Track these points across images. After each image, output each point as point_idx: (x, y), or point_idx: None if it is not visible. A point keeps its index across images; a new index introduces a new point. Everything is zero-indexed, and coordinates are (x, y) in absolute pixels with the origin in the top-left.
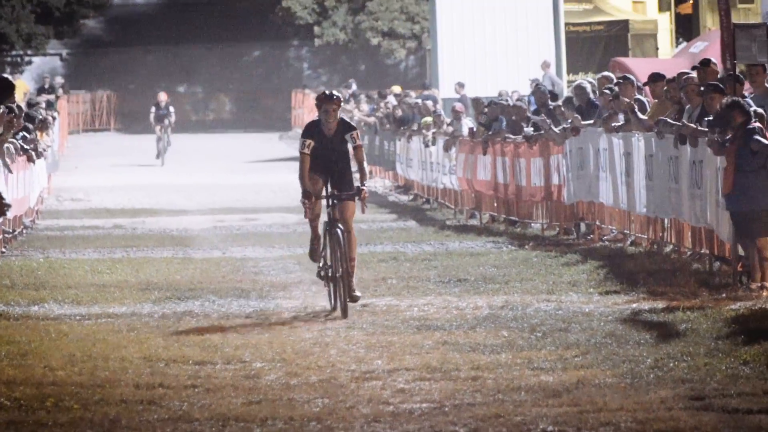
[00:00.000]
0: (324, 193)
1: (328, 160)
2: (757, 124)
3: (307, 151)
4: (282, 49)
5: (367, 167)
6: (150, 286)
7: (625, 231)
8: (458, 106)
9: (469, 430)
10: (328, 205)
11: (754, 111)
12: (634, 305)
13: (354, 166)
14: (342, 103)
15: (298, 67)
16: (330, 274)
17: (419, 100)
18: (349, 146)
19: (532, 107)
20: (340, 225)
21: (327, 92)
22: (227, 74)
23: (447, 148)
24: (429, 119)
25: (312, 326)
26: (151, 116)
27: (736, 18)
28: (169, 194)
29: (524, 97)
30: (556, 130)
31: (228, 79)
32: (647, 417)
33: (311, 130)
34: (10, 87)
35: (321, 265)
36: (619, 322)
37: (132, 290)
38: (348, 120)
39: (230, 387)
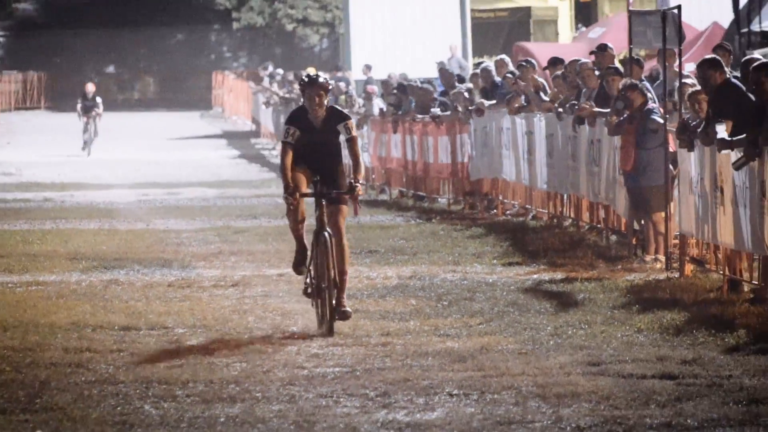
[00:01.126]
0: (311, 191)
1: (315, 155)
2: (655, 105)
3: (290, 140)
4: (203, 33)
5: (363, 162)
6: (78, 255)
7: (527, 206)
8: (370, 87)
9: (379, 393)
10: (316, 208)
11: (669, 91)
12: (535, 276)
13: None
14: (330, 88)
15: (218, 50)
16: (315, 287)
17: (332, 81)
18: (342, 138)
19: (440, 88)
20: (328, 229)
21: (312, 76)
22: (152, 56)
23: (359, 127)
24: (343, 99)
25: (231, 294)
26: (78, 106)
27: (634, 6)
28: (96, 169)
29: (433, 80)
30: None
31: (152, 60)
32: (547, 381)
33: (296, 118)
34: None
35: (307, 280)
36: (521, 292)
37: (61, 260)
38: (340, 108)
39: (153, 352)
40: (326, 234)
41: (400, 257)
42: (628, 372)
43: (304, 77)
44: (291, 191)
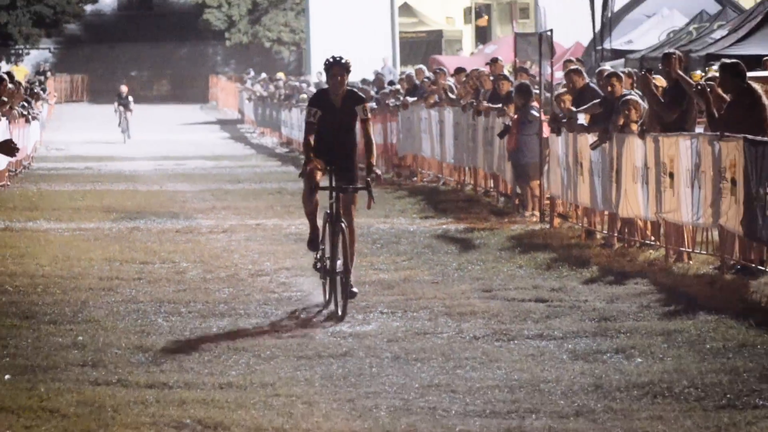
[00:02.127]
0: (328, 186)
1: (334, 133)
2: (534, 103)
3: (313, 119)
4: (203, 47)
5: (374, 143)
6: (109, 209)
7: (439, 175)
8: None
9: (328, 311)
10: (330, 197)
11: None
12: (444, 226)
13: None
14: (350, 70)
15: (213, 60)
16: (328, 268)
17: (297, 83)
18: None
19: (375, 89)
20: (344, 220)
21: (336, 57)
22: (165, 63)
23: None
24: (304, 96)
25: (222, 238)
26: (115, 104)
27: (518, 29)
28: (124, 146)
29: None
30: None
31: (166, 67)
32: (452, 303)
33: (318, 99)
34: None
35: (318, 256)
36: (434, 238)
37: (97, 212)
38: (357, 91)
39: (164, 280)
40: (343, 224)
41: None
42: (512, 296)
43: (329, 59)
44: (310, 163)
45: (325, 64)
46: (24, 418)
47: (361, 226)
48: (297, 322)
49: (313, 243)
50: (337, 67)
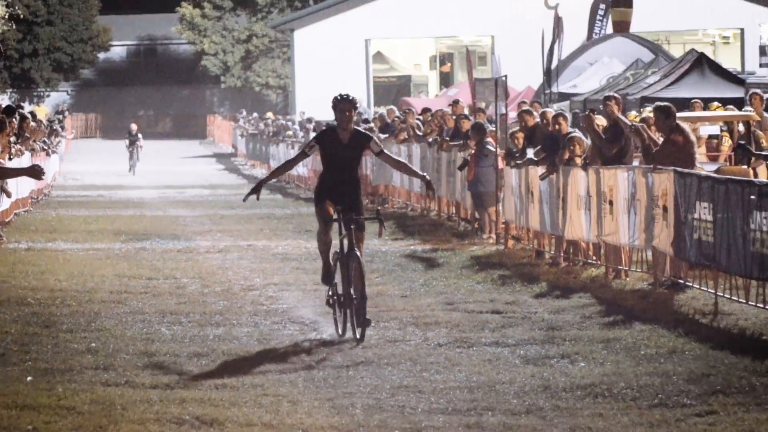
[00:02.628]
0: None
1: (341, 168)
2: (489, 139)
3: (307, 150)
4: (201, 90)
5: (407, 162)
6: (119, 231)
7: (407, 202)
8: (308, 125)
9: (311, 320)
10: (340, 232)
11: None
12: (412, 247)
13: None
14: (357, 106)
15: (210, 101)
16: (342, 301)
17: (284, 122)
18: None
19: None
20: (357, 251)
21: (343, 94)
22: (168, 104)
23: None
24: (290, 132)
25: (217, 256)
26: (126, 141)
27: (477, 75)
28: (131, 176)
29: None
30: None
31: (168, 107)
32: (419, 314)
33: (324, 135)
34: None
35: (331, 292)
36: (403, 257)
37: (108, 234)
38: (362, 130)
39: (167, 293)
40: (357, 254)
41: None
42: (471, 309)
43: (337, 96)
44: (257, 189)
45: (333, 101)
46: (44, 414)
47: (337, 247)
48: (282, 331)
49: (327, 277)
50: (345, 104)
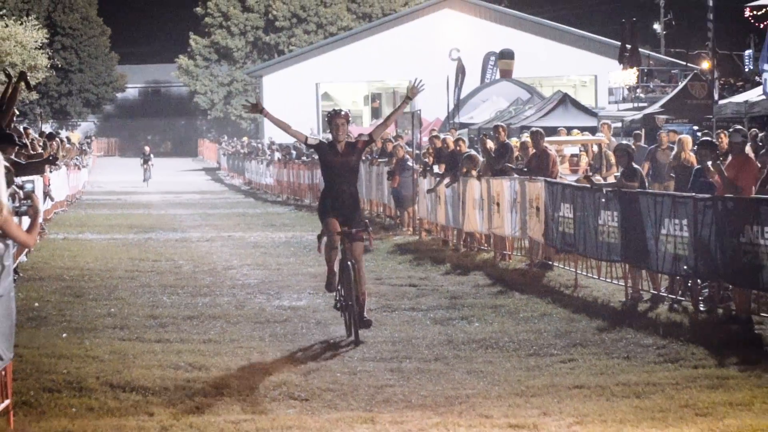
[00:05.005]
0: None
1: (339, 175)
2: (408, 156)
3: (309, 140)
4: (193, 120)
5: (388, 119)
6: (132, 225)
7: None
8: (273, 146)
9: (275, 292)
10: (341, 244)
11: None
12: None
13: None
14: (350, 118)
15: (200, 128)
16: (344, 304)
17: (255, 143)
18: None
19: (304, 147)
20: (351, 260)
21: (336, 108)
22: (169, 131)
23: (268, 165)
24: (260, 153)
25: (205, 244)
26: (141, 160)
27: None
28: (145, 187)
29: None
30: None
31: (170, 133)
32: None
33: (323, 146)
34: (9, 139)
35: (338, 297)
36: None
37: (123, 227)
38: (351, 140)
39: (167, 272)
40: (350, 263)
41: (288, 227)
42: (394, 283)
43: (330, 111)
44: (260, 110)
45: (327, 115)
46: (75, 362)
47: (297, 237)
48: (253, 299)
49: (329, 285)
50: (337, 118)
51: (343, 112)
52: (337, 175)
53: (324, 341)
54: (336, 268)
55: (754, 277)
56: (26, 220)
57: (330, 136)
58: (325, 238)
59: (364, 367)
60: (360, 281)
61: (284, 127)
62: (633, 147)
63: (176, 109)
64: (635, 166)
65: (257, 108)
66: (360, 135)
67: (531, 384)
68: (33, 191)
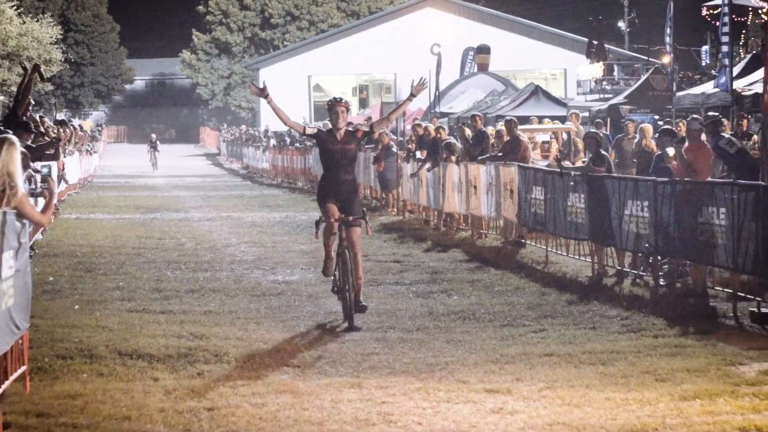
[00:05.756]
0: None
1: (338, 161)
2: (392, 143)
3: (307, 130)
4: (195, 109)
5: (393, 112)
6: (139, 206)
7: None
8: (269, 134)
9: (270, 267)
10: (340, 229)
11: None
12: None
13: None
14: (349, 107)
15: (202, 117)
16: (339, 289)
17: (252, 131)
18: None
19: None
20: (347, 247)
21: (336, 96)
22: (173, 119)
23: (264, 151)
24: (257, 139)
25: (206, 223)
26: (147, 146)
27: (384, 99)
28: (152, 171)
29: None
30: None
31: (175, 121)
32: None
33: (322, 134)
34: (26, 127)
35: (335, 282)
36: None
37: (131, 208)
38: (350, 129)
39: (171, 249)
40: (347, 250)
41: (282, 208)
42: (380, 259)
43: (331, 99)
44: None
45: (328, 103)
46: (86, 331)
47: (290, 217)
48: (250, 275)
49: (326, 270)
50: (337, 105)
51: (343, 101)
52: (337, 162)
53: (315, 313)
54: (333, 253)
55: (709, 254)
56: (42, 202)
57: (322, 125)
58: (323, 224)
59: (352, 337)
60: (357, 267)
61: (284, 118)
62: (600, 135)
63: (180, 100)
64: (603, 152)
65: (264, 93)
66: (361, 123)
67: (505, 352)
68: (49, 174)
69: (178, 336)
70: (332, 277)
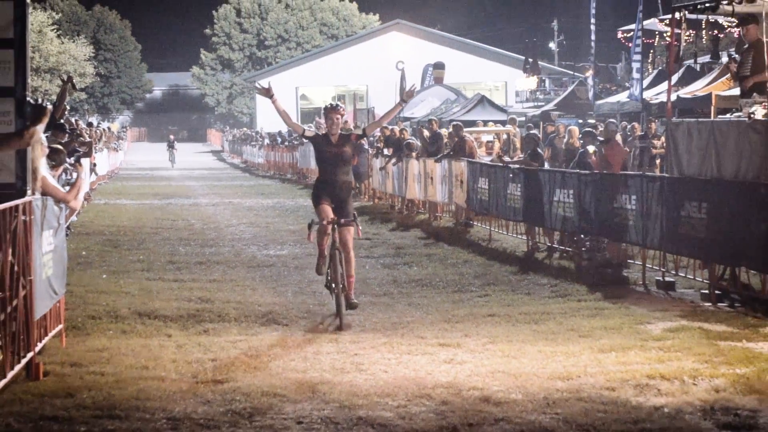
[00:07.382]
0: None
1: (333, 163)
2: (364, 142)
3: (305, 132)
4: (204, 114)
5: (385, 116)
6: (156, 193)
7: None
8: (264, 134)
9: (264, 244)
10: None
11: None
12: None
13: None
14: (344, 113)
15: (209, 121)
16: (332, 287)
17: (251, 132)
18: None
19: (286, 135)
20: (339, 247)
21: (332, 103)
22: (185, 122)
23: (260, 148)
24: (254, 139)
25: (212, 209)
26: (166, 145)
27: (358, 107)
28: (165, 163)
29: (284, 133)
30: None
31: (185, 124)
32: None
33: (317, 137)
34: (43, 111)
35: (329, 278)
36: (311, 212)
37: (149, 194)
38: (344, 133)
39: (183, 228)
40: (337, 251)
41: (274, 195)
42: (371, 255)
43: (326, 105)
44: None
45: (324, 110)
46: (112, 296)
47: (280, 203)
48: (246, 250)
49: (319, 268)
50: (333, 113)
51: (339, 108)
52: (331, 165)
53: (300, 281)
54: (326, 252)
55: (623, 232)
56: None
57: (314, 127)
58: (315, 226)
59: (331, 300)
60: (349, 266)
61: (286, 118)
62: (539, 136)
63: (191, 106)
64: (539, 150)
65: (269, 93)
66: (356, 127)
67: (455, 313)
68: (79, 162)
69: (188, 300)
70: (325, 275)
